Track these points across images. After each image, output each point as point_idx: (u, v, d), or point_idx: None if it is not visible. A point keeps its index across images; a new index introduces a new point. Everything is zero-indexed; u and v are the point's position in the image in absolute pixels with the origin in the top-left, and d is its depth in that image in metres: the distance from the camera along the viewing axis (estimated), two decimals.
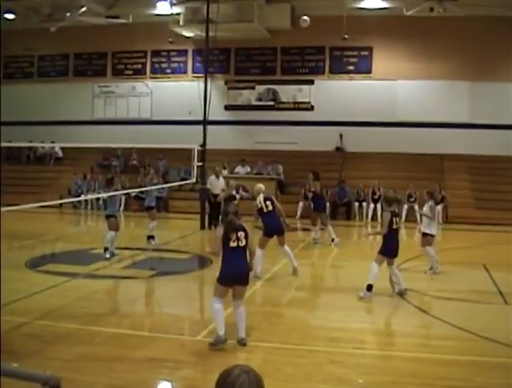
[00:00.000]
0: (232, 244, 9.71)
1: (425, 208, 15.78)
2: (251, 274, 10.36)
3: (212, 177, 24.50)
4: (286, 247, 15.49)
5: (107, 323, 11.09)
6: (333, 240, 20.33)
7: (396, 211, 13.42)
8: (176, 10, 31.27)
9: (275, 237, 15.35)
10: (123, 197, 29.32)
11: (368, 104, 31.71)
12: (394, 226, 12.95)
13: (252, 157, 31.50)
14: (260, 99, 34.18)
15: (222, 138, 31.51)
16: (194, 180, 23.01)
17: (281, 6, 31.57)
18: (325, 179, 28.76)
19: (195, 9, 30.08)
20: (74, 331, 10.52)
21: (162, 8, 31.39)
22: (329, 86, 33.02)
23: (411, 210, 27.48)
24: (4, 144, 31.09)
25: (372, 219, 28.01)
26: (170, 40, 33.63)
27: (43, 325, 10.87)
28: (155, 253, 18.60)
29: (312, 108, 33.37)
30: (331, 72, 33.19)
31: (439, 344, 10.07)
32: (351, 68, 32.87)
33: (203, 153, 24.20)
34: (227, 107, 34.53)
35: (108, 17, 32.85)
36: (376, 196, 28.10)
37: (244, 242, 9.81)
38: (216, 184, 24.30)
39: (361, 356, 9.58)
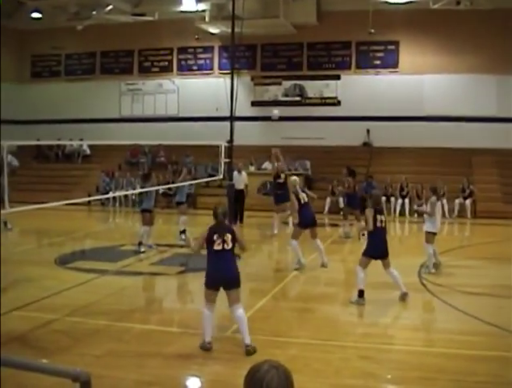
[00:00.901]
0: (217, 247, 9.38)
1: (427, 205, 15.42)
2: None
3: (235, 173, 24.51)
4: (318, 241, 15.51)
5: (136, 319, 11.16)
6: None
7: (382, 208, 12.82)
8: (202, 6, 31.27)
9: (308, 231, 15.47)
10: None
11: (395, 99, 31.54)
12: (378, 224, 12.19)
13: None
14: (287, 95, 34.14)
15: (249, 134, 31.53)
16: (221, 176, 23.03)
17: (307, 1, 31.48)
18: None
19: (221, 5, 30.11)
20: (104, 328, 10.59)
21: (188, 5, 31.41)
22: (355, 81, 32.89)
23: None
24: (33, 142, 31.44)
25: (400, 214, 27.88)
26: (196, 36, 33.70)
27: (72, 321, 10.96)
28: (183, 249, 18.65)
29: (338, 103, 33.27)
30: (358, 67, 33.06)
31: (468, 340, 10.01)
32: (378, 62, 32.71)
33: (230, 150, 24.17)
34: (253, 103, 34.51)
35: (134, 15, 32.99)
36: (404, 192, 27.97)
37: (230, 245, 9.47)
38: (239, 179, 24.37)
39: (390, 351, 9.58)
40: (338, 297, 13.24)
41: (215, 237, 9.40)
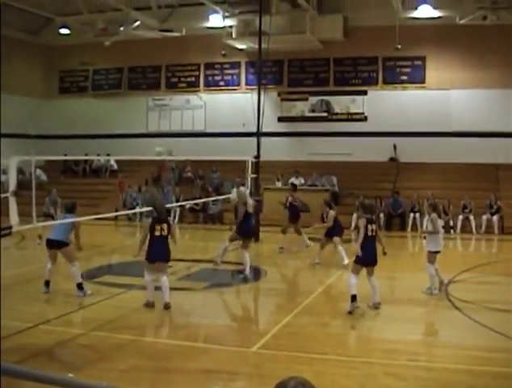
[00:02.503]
0: (157, 233, 12.92)
1: (425, 222, 15.17)
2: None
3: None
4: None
5: (161, 334, 11.20)
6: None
7: (373, 218, 13.24)
8: (229, 22, 31.45)
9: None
10: (178, 209, 29.57)
11: (422, 114, 31.40)
12: (369, 234, 12.62)
13: (306, 168, 31.46)
14: (313, 111, 34.12)
15: (276, 150, 31.55)
16: (248, 192, 23.06)
17: (333, 16, 31.51)
18: (378, 189, 28.75)
19: (248, 21, 30.22)
20: (130, 342, 10.62)
21: (215, 21, 31.63)
22: (382, 97, 32.81)
23: (466, 221, 27.14)
24: (61, 157, 31.65)
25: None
26: (223, 52, 33.88)
27: (99, 336, 11.00)
28: (209, 265, 18.64)
29: (365, 119, 33.19)
30: (384, 82, 32.99)
31: (495, 357, 9.91)
32: (405, 78, 32.60)
33: (257, 165, 24.24)
34: (280, 119, 34.53)
35: (162, 30, 33.18)
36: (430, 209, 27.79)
37: (166, 232, 13.01)
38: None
39: (416, 368, 9.49)
40: (364, 312, 13.18)
41: (156, 226, 12.97)
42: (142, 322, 12.03)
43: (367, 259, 12.68)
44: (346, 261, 17.52)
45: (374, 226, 12.80)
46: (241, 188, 18.58)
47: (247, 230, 17.21)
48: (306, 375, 3.25)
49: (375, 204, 14.39)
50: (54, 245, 14.25)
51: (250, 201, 17.62)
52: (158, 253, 13.03)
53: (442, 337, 11.68)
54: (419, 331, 11.86)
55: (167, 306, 12.83)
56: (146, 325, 11.91)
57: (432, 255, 14.39)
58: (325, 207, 19.07)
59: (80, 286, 14.13)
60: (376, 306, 12.76)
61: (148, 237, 13.01)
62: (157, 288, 13.25)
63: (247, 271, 16.84)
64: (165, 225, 13.02)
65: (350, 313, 12.40)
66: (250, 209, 17.13)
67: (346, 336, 11.27)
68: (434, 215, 14.61)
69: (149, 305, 13.01)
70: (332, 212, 18.60)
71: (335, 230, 18.57)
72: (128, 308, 13.24)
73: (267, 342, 10.48)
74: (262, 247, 23.35)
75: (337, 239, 18.53)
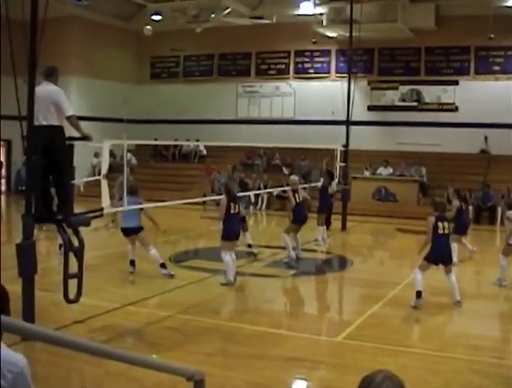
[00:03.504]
0: (232, 211, 14.47)
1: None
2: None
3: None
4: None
5: (246, 320, 11.24)
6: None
7: (445, 216, 12.75)
8: (319, 10, 31.28)
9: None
10: (266, 196, 29.73)
11: None
12: (441, 232, 12.27)
13: (395, 158, 31.15)
14: (403, 100, 33.71)
15: (365, 139, 31.33)
16: (336, 181, 22.98)
17: (425, 5, 30.99)
18: (468, 181, 28.17)
19: (339, 9, 30.07)
20: (215, 327, 10.73)
21: (306, 8, 31.48)
22: (474, 87, 32.10)
23: None
24: (151, 142, 32.14)
25: None
26: (314, 40, 33.74)
27: (185, 319, 11.15)
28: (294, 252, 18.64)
29: (456, 109, 32.58)
30: (476, 72, 32.28)
31: None
32: (497, 68, 31.84)
33: (346, 154, 24.14)
34: (370, 108, 34.23)
35: (252, 17, 33.24)
36: None
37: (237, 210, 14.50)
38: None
39: (501, 366, 9.26)
40: (449, 307, 12.98)
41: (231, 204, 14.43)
42: (227, 307, 12.16)
43: (438, 257, 12.44)
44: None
45: (446, 224, 12.49)
46: (293, 177, 18.55)
47: (296, 218, 17.34)
48: (390, 367, 3.22)
49: (446, 202, 14.01)
50: (129, 232, 14.66)
51: (302, 191, 17.93)
52: (235, 230, 14.48)
53: None
54: (505, 328, 11.63)
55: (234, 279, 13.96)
56: (231, 310, 12.03)
57: (506, 248, 14.42)
58: (453, 194, 18.00)
59: (163, 265, 14.45)
60: (456, 305, 12.41)
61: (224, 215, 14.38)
62: (248, 275, 13.30)
63: (290, 256, 17.03)
64: (237, 205, 14.47)
65: (414, 307, 12.18)
66: (299, 199, 17.25)
67: (431, 330, 11.11)
68: (510, 212, 14.53)
69: (230, 283, 13.73)
70: (456, 202, 17.69)
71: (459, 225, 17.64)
72: (214, 293, 13.37)
73: (351, 332, 10.44)
74: (348, 237, 23.24)
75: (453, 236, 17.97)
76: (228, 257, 13.76)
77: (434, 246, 12.35)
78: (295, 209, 17.33)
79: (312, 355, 9.45)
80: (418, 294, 12.30)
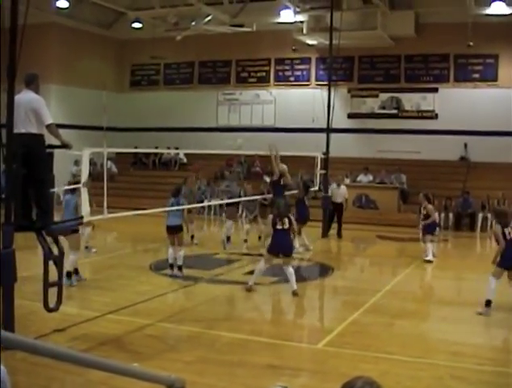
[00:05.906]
0: (279, 227, 13.98)
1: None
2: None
3: (333, 185, 24.37)
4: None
5: (227, 328, 11.22)
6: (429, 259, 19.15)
7: (508, 222, 12.94)
8: (299, 18, 31.46)
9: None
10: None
11: (494, 113, 30.74)
12: (508, 237, 12.53)
13: (375, 165, 31.24)
14: (383, 107, 33.86)
15: (345, 146, 31.43)
16: (316, 188, 23.03)
17: (405, 13, 31.21)
18: (448, 188, 28.37)
19: (319, 17, 30.22)
20: (195, 335, 10.70)
21: (286, 16, 31.60)
22: (453, 94, 32.31)
23: None
24: (131, 150, 32.07)
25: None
26: (294, 48, 33.90)
27: (165, 327, 11.14)
28: (277, 260, 18.65)
29: (436, 117, 32.77)
30: (456, 80, 32.48)
31: None
32: (476, 76, 32.04)
33: (326, 161, 24.22)
34: (350, 115, 34.35)
35: (233, 25, 33.30)
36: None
37: (287, 226, 14.06)
38: (337, 193, 24.12)
39: (483, 372, 9.27)
40: (430, 313, 13.01)
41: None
42: (208, 315, 12.11)
43: (510, 263, 12.55)
44: (430, 257, 18.18)
45: (510, 230, 12.73)
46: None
47: (300, 218, 18.64)
48: (370, 374, 3.23)
49: (508, 210, 14.31)
50: (173, 230, 15.68)
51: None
52: (281, 246, 14.19)
53: (509, 341, 11.47)
54: (486, 335, 11.64)
55: (295, 293, 13.87)
56: (212, 318, 11.99)
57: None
58: (423, 200, 18.97)
59: (180, 268, 15.60)
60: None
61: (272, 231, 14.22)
62: (229, 282, 13.25)
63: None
64: (285, 220, 14.13)
65: (480, 314, 12.28)
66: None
67: (412, 336, 11.12)
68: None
69: (250, 289, 14.18)
70: (430, 207, 18.61)
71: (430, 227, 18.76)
72: (195, 301, 13.39)
73: (332, 339, 10.45)
74: (329, 244, 23.27)
75: (428, 237, 18.53)
76: (262, 266, 14.51)
77: (507, 253, 12.52)
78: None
79: (293, 362, 9.45)
80: (488, 303, 12.36)
